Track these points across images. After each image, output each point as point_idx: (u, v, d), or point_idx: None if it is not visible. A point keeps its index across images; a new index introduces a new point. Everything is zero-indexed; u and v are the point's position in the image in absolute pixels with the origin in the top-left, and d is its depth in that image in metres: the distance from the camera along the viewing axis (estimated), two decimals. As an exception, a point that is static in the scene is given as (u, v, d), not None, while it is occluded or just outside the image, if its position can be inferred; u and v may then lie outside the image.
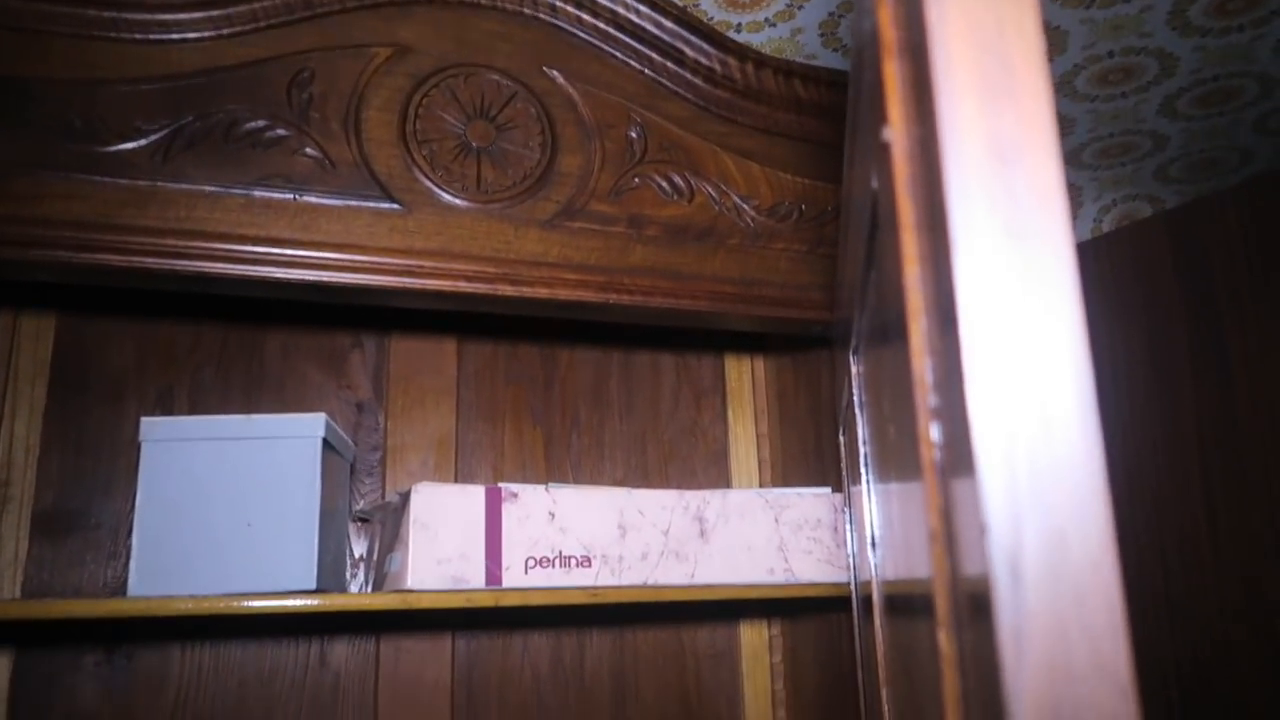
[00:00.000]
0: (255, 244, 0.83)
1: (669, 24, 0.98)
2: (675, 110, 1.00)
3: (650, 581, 0.94)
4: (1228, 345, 1.26)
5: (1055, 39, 1.36)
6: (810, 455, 1.20)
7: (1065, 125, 1.62)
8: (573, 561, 0.92)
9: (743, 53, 1.00)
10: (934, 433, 0.34)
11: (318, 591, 0.91)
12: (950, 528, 0.32)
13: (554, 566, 0.91)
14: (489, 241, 0.90)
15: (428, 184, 0.89)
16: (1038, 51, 0.31)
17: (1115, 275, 1.42)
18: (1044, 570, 0.27)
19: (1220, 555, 1.25)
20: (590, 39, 0.98)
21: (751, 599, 1.13)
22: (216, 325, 1.18)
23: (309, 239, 0.85)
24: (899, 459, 0.44)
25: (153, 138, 0.83)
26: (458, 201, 0.90)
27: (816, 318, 1.00)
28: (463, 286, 0.88)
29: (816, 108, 1.04)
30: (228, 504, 0.90)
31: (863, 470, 0.69)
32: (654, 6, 0.97)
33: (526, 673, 1.20)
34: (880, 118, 0.38)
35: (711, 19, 1.31)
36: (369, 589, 1.09)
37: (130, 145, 0.82)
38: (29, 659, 1.04)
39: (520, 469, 1.26)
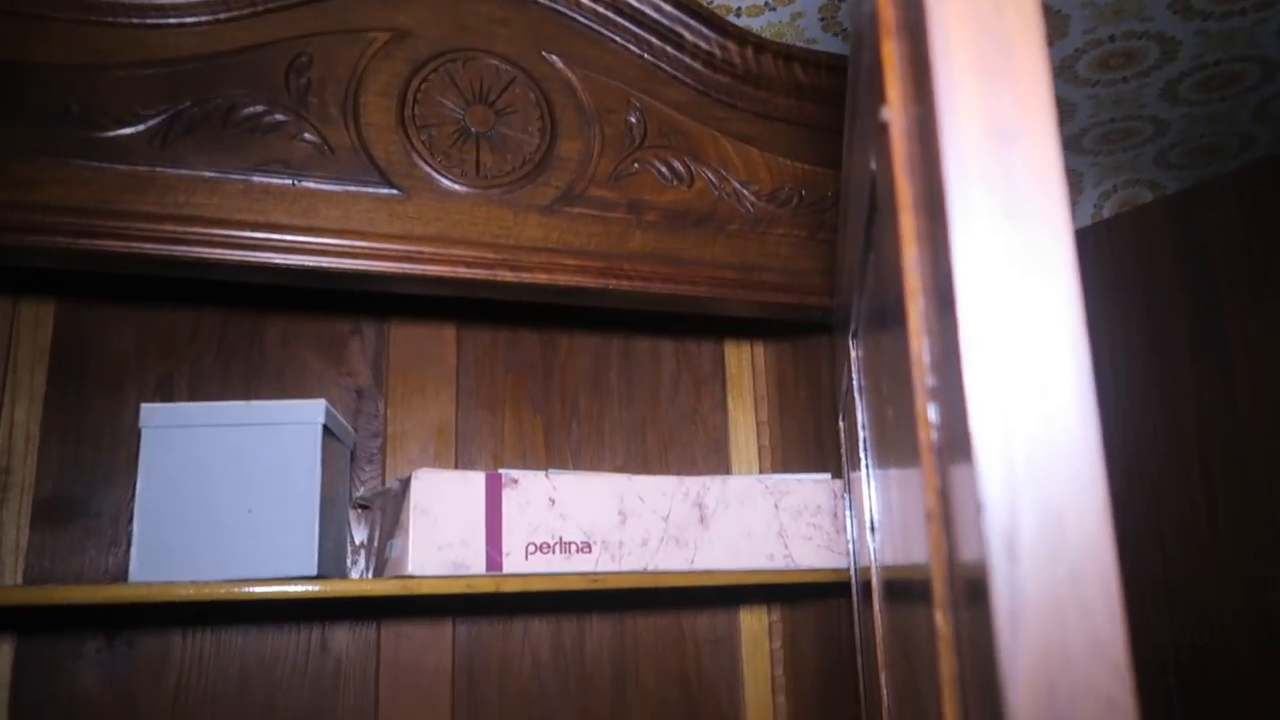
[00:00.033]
0: (254, 229, 0.83)
1: (668, 8, 0.98)
2: (675, 95, 1.00)
3: (650, 567, 0.94)
4: (1228, 331, 1.26)
5: (1056, 23, 1.35)
6: (810, 441, 1.20)
7: (1066, 110, 1.61)
8: (573, 547, 0.92)
9: (742, 37, 1.00)
10: (931, 413, 0.34)
11: (318, 577, 0.91)
12: (947, 508, 0.32)
13: (554, 552, 0.91)
14: (488, 227, 0.90)
15: (427, 169, 0.89)
16: (1036, 31, 0.31)
17: (1116, 261, 1.41)
18: (1041, 550, 0.27)
19: (1219, 541, 1.26)
20: (589, 23, 0.97)
21: (751, 585, 1.13)
22: (216, 312, 1.18)
23: (308, 225, 0.84)
24: (897, 442, 0.44)
25: (151, 123, 0.82)
26: (457, 187, 0.90)
27: (816, 303, 1.00)
28: (462, 272, 0.88)
29: (816, 92, 1.04)
30: (228, 490, 0.90)
31: (862, 455, 0.70)
32: (653, -9, 0.97)
33: (527, 659, 1.20)
34: (879, 98, 0.38)
35: (711, 3, 1.30)
36: (370, 575, 1.10)
37: (129, 130, 0.82)
38: (30, 646, 1.04)
39: (520, 456, 1.26)
